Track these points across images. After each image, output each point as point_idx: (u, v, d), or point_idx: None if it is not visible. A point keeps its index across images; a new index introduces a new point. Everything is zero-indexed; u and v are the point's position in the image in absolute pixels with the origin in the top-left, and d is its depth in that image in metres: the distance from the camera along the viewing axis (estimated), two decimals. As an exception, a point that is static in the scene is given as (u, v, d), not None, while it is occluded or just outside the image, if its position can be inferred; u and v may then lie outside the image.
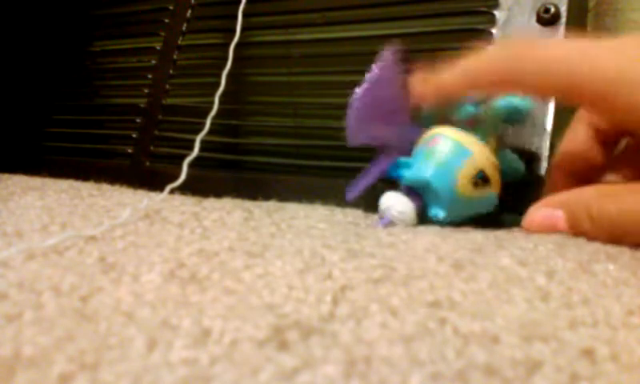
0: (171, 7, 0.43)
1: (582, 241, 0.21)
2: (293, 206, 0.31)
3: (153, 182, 0.36)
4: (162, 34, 0.43)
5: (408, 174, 0.26)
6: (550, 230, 0.24)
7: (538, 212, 0.24)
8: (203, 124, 0.34)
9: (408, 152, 0.28)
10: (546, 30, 0.31)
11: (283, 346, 0.12)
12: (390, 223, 0.26)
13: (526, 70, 0.23)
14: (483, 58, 0.24)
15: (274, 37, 0.39)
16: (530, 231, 0.24)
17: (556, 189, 0.25)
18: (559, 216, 0.23)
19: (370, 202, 0.31)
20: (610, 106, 0.21)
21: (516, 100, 0.26)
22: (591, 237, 0.22)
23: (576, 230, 0.23)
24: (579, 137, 0.26)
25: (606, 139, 0.26)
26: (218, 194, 0.33)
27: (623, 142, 0.26)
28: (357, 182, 0.31)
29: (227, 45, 0.37)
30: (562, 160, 0.27)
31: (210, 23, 0.43)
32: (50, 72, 0.49)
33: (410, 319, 0.14)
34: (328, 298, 0.15)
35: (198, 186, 0.32)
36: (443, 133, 0.26)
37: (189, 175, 0.31)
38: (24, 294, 0.15)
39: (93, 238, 0.21)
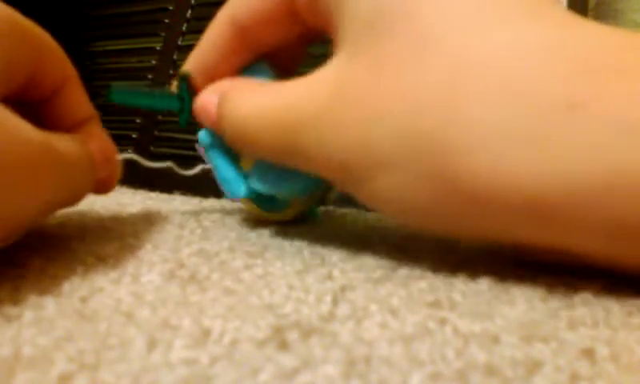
0: (171, 7, 0.43)
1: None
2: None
3: (153, 182, 0.36)
4: (162, 34, 0.43)
5: None
6: (206, 118, 0.22)
7: (204, 95, 0.23)
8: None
9: None
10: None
11: (283, 345, 0.12)
12: None
13: None
14: None
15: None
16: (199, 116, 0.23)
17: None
18: (214, 102, 0.22)
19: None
20: None
21: None
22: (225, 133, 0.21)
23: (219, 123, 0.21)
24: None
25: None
26: (218, 194, 0.33)
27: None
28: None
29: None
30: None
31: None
32: (50, 72, 0.49)
33: (410, 319, 0.14)
34: (328, 298, 0.15)
35: (198, 186, 0.32)
36: None
37: (189, 175, 0.31)
38: (24, 294, 0.15)
39: (93, 238, 0.21)
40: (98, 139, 0.22)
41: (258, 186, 0.22)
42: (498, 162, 0.15)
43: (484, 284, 0.16)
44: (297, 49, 0.25)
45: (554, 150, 0.14)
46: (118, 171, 0.23)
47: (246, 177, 0.23)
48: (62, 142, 0.18)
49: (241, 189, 0.23)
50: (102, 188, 0.22)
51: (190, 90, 0.24)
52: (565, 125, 0.14)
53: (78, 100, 0.22)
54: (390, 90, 0.16)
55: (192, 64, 0.24)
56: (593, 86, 0.14)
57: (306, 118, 0.18)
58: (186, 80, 0.24)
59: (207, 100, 0.22)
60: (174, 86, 0.25)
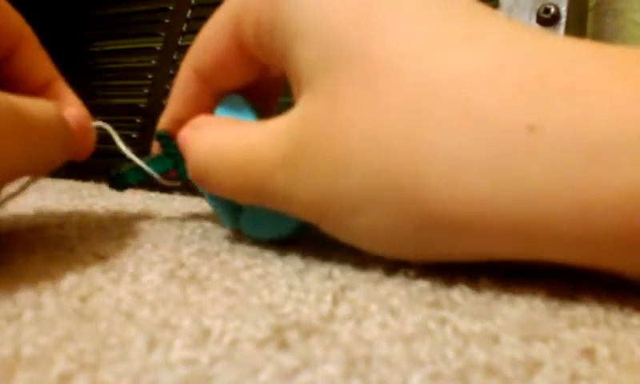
0: (171, 7, 0.43)
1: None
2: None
3: (152, 181, 0.36)
4: (162, 34, 0.43)
5: None
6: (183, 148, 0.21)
7: (182, 130, 0.22)
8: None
9: None
10: (546, 31, 0.31)
11: (283, 345, 0.12)
12: None
13: None
14: None
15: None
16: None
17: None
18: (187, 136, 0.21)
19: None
20: None
21: None
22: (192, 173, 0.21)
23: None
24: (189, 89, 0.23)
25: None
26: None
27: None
28: None
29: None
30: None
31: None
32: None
33: (410, 319, 0.14)
34: (328, 298, 0.15)
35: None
36: None
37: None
38: (24, 294, 0.15)
39: (93, 238, 0.21)
40: (72, 104, 0.22)
41: (249, 228, 0.22)
42: (464, 189, 0.15)
43: (484, 284, 0.16)
44: (271, 82, 0.24)
45: (519, 173, 0.14)
46: (93, 137, 0.23)
47: (238, 209, 0.22)
48: (30, 106, 0.18)
49: (232, 223, 0.23)
50: (79, 154, 0.22)
51: (174, 144, 0.24)
52: (526, 148, 0.14)
53: (37, 60, 0.22)
54: (350, 128, 0.16)
55: (166, 120, 0.24)
56: (549, 105, 0.14)
57: (269, 161, 0.18)
58: (166, 137, 0.24)
59: (182, 135, 0.22)
60: (155, 148, 0.25)
